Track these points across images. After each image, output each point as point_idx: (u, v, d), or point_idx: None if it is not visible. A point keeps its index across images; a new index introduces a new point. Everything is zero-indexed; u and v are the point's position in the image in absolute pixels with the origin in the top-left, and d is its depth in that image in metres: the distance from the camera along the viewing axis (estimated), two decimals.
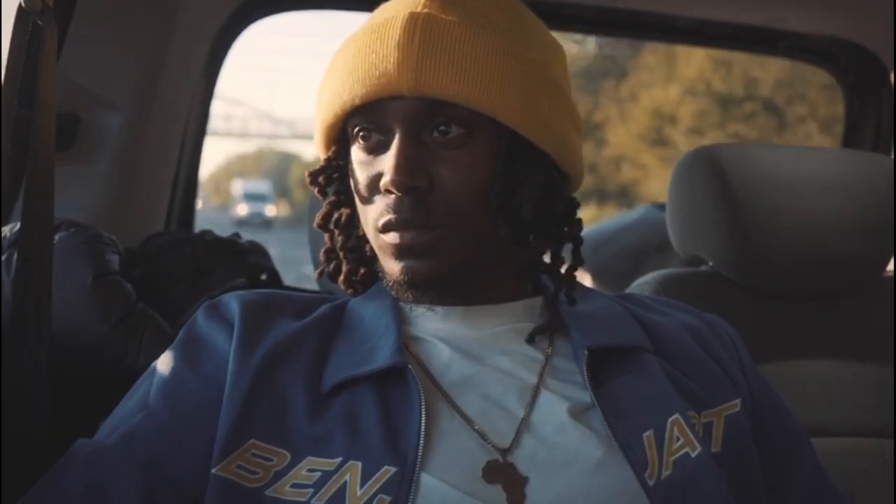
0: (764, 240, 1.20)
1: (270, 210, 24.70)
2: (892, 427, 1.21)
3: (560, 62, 0.81)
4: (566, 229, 0.82)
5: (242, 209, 23.93)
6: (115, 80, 1.42)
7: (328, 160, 0.83)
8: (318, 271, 0.88)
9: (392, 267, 0.76)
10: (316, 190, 0.84)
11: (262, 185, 26.96)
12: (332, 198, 0.84)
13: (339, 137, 0.81)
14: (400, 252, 0.74)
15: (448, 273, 0.75)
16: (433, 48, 0.72)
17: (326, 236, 0.85)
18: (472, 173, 0.74)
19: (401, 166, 0.72)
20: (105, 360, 1.15)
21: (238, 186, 26.41)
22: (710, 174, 1.21)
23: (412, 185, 0.73)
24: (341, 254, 0.84)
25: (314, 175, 0.84)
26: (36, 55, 0.77)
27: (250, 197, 24.75)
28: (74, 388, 1.09)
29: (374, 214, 0.76)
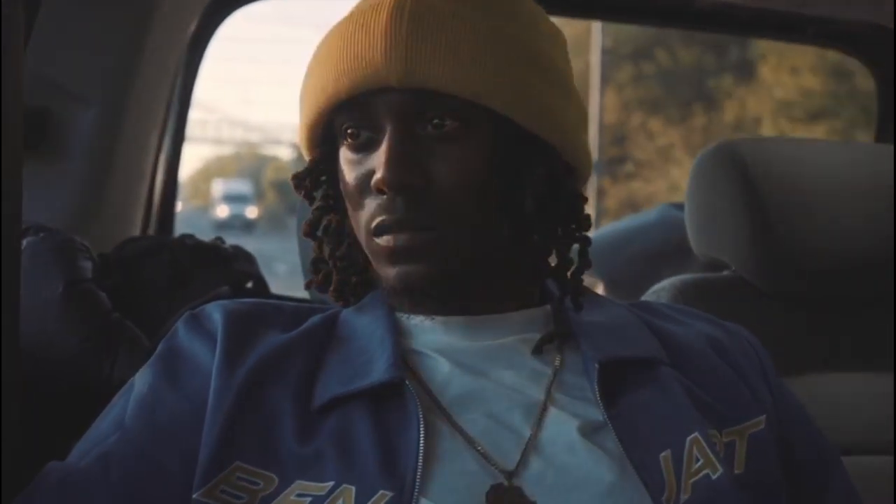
0: (791, 242, 1.20)
1: (251, 211, 25.09)
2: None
3: (560, 48, 0.82)
4: (573, 226, 0.82)
5: (222, 211, 24.31)
6: (89, 71, 1.42)
7: (314, 162, 0.83)
8: (306, 283, 0.88)
9: (387, 272, 0.76)
10: (302, 194, 0.84)
11: (243, 186, 27.31)
12: (319, 203, 0.84)
13: (324, 137, 0.82)
14: (395, 256, 0.75)
15: (447, 277, 0.75)
16: (423, 35, 0.73)
17: (314, 245, 0.86)
18: (470, 168, 0.75)
19: (393, 163, 0.73)
20: (77, 376, 1.15)
21: (218, 187, 26.76)
22: (731, 171, 1.21)
23: (406, 183, 0.73)
24: (330, 263, 0.85)
25: (299, 178, 0.84)
26: (0, 44, 0.77)
27: (230, 198, 25.13)
28: (44, 407, 1.09)
29: (365, 217, 0.76)
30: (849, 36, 1.88)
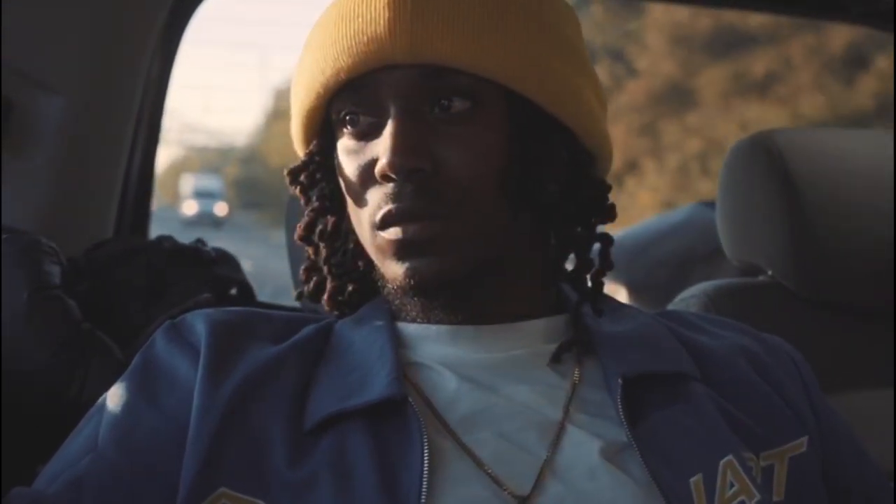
0: (833, 243, 1.20)
1: (220, 208, 25.47)
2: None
3: (575, 24, 0.82)
4: (593, 219, 0.83)
5: (190, 207, 24.66)
6: (55, 57, 1.42)
7: (310, 155, 0.84)
8: (296, 292, 0.88)
9: (394, 269, 0.76)
10: (297, 190, 0.85)
11: (212, 182, 27.65)
12: (315, 204, 0.84)
13: (321, 126, 0.82)
14: (403, 249, 0.75)
15: (461, 273, 0.76)
16: (430, 6, 0.73)
17: (309, 250, 0.86)
18: (483, 152, 0.75)
19: (398, 146, 0.73)
20: (44, 393, 1.15)
21: (187, 183, 27.11)
22: (768, 165, 1.21)
23: (413, 168, 0.73)
24: (325, 268, 0.85)
25: (294, 173, 0.84)
26: None
27: (199, 194, 25.50)
28: (6, 427, 1.09)
29: (369, 210, 0.77)
30: (887, 14, 1.88)
